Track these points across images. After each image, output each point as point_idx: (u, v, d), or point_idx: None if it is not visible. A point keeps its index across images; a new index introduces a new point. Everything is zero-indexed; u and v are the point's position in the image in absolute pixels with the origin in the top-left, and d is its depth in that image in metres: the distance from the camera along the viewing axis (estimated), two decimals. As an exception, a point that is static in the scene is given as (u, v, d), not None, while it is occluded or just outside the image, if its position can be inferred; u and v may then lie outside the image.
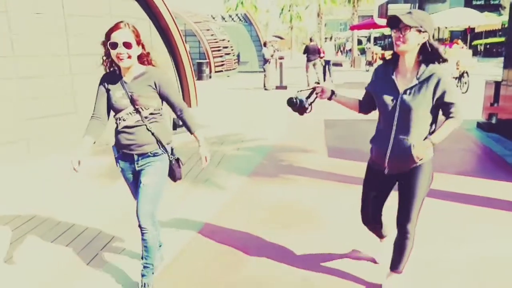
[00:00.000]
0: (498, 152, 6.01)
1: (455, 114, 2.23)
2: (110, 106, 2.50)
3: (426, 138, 2.29)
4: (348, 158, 5.67)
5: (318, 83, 2.64)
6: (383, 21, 24.30)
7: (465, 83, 12.06)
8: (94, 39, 2.36)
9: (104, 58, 2.47)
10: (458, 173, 4.99)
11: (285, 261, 3.05)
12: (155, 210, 2.52)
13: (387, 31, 33.43)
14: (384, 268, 2.68)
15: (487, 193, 4.33)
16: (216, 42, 20.86)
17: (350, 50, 30.82)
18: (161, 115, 2.55)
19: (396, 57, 2.31)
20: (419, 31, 2.15)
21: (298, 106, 2.51)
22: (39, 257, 3.18)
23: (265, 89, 14.60)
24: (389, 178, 2.47)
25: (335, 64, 26.01)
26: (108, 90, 2.47)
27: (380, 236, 2.88)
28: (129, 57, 2.34)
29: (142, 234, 2.48)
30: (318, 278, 2.82)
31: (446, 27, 15.41)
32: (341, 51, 38.68)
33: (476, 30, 16.43)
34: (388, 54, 14.89)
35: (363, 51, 30.50)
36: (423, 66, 2.22)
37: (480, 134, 7.10)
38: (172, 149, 2.63)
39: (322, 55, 14.96)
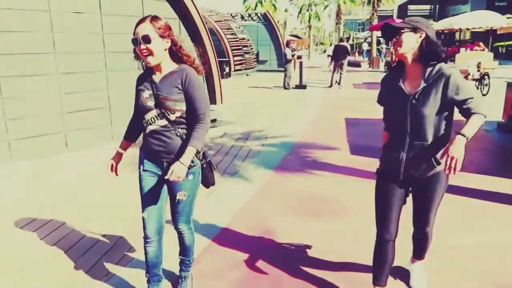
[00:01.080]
0: (518, 153, 6.12)
1: (475, 109, 2.06)
2: (137, 107, 2.35)
3: (444, 138, 2.17)
4: (369, 156, 5.85)
5: None
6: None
7: (486, 85, 12.08)
8: (127, 38, 2.32)
9: (136, 59, 2.33)
10: (477, 172, 5.13)
11: (311, 250, 3.28)
12: (191, 216, 2.52)
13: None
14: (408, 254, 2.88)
15: (506, 190, 4.48)
16: (236, 41, 21.12)
17: (368, 50, 30.76)
18: (191, 118, 2.29)
19: (401, 64, 2.25)
20: (414, 31, 2.11)
21: None
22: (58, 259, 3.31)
23: (285, 88, 14.80)
24: (404, 185, 2.36)
25: (353, 64, 26.11)
26: (139, 90, 2.30)
27: (382, 278, 2.48)
28: (151, 53, 2.12)
29: (179, 235, 2.55)
30: (342, 262, 3.05)
31: (467, 29, 15.34)
32: (358, 52, 38.51)
33: (498, 32, 16.32)
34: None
35: (378, 52, 30.35)
36: (429, 68, 2.13)
37: (500, 135, 7.19)
38: (204, 153, 2.41)
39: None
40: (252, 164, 5.62)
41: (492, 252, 3.20)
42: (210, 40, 7.89)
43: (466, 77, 12.43)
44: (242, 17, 25.66)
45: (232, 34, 21.22)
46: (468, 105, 2.07)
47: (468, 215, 3.89)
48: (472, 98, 2.06)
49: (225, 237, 3.51)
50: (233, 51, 20.62)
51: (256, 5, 39.64)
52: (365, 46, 33.58)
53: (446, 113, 2.16)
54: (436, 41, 2.14)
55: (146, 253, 2.50)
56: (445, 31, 16.49)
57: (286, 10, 47.32)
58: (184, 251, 2.63)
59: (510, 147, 6.47)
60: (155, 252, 2.50)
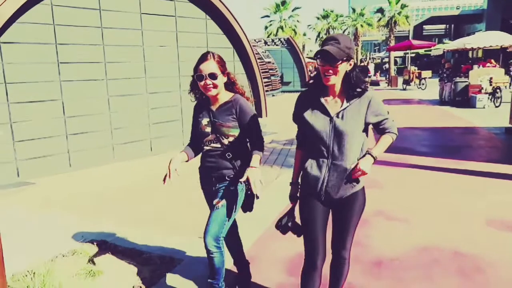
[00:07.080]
0: (519, 148, 7.48)
1: (389, 128, 2.28)
2: (197, 132, 2.64)
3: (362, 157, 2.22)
4: (393, 153, 7.30)
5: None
6: (419, 42, 25.69)
7: (498, 97, 13.36)
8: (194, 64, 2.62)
9: (191, 88, 2.63)
10: (484, 161, 6.50)
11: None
12: (221, 233, 2.50)
13: (421, 51, 34.67)
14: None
15: (506, 171, 5.85)
16: (263, 64, 22.94)
17: (387, 69, 32.23)
18: (242, 143, 2.59)
19: (319, 81, 2.19)
20: (348, 60, 2.10)
21: (292, 229, 2.51)
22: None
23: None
24: (325, 206, 2.32)
25: (372, 83, 27.52)
26: (198, 117, 2.61)
27: None
28: (215, 86, 2.44)
29: (208, 256, 2.49)
30: (379, 207, 4.48)
31: (479, 47, 16.77)
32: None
33: (508, 50, 17.64)
34: (425, 73, 16.58)
35: (385, 71, 31.38)
36: (352, 89, 2.17)
37: (507, 137, 8.51)
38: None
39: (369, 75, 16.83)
40: (302, 160, 7.10)
41: (494, 207, 4.60)
42: (257, 64, 9.53)
43: (479, 91, 13.76)
44: (265, 42, 27.61)
45: (259, 58, 23.07)
46: (384, 125, 2.29)
47: (473, 186, 5.29)
48: (387, 119, 2.27)
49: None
50: (260, 74, 22.41)
51: (277, 31, 41.87)
52: (371, 67, 34.97)
53: (364, 133, 2.25)
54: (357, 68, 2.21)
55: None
56: (459, 50, 17.88)
57: (304, 34, 49.48)
58: (213, 273, 2.56)
59: (513, 145, 7.81)
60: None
